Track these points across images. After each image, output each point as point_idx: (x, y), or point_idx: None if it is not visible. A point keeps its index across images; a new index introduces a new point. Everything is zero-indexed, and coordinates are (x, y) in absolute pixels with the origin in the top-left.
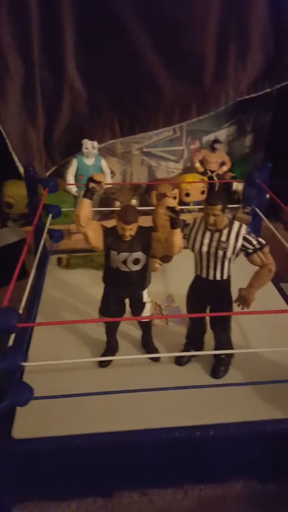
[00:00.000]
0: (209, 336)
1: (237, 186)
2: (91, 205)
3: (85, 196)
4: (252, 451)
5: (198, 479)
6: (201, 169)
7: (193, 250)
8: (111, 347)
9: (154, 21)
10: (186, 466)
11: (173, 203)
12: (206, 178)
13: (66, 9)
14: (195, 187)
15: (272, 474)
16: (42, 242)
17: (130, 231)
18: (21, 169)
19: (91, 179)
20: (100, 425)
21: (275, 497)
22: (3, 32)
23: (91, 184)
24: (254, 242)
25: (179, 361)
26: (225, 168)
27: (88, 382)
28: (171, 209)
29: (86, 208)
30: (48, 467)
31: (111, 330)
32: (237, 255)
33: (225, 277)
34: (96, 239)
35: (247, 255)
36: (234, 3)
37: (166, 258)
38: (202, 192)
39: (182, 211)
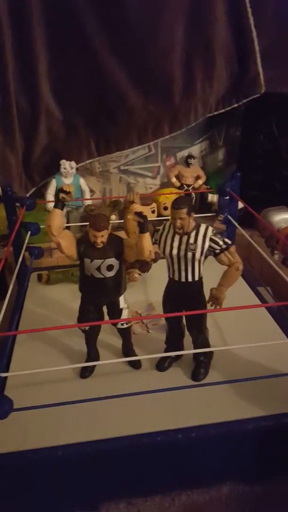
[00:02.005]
0: (188, 342)
1: (212, 198)
2: (62, 215)
3: (55, 206)
4: (236, 451)
5: (185, 485)
6: (177, 184)
7: (164, 253)
8: (91, 357)
9: (122, 44)
10: (171, 471)
11: (140, 208)
12: (182, 192)
13: (38, 35)
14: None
15: (258, 474)
16: (20, 259)
17: (101, 238)
18: (1, 191)
19: (60, 190)
20: (82, 435)
21: (263, 498)
22: None
23: (61, 195)
24: (221, 242)
25: (160, 366)
26: (200, 181)
27: (70, 393)
28: (139, 214)
29: (58, 217)
30: (30, 481)
31: (91, 339)
32: (206, 256)
33: (196, 278)
34: (69, 248)
35: (215, 255)
36: (197, 25)
37: (144, 268)
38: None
39: (160, 223)
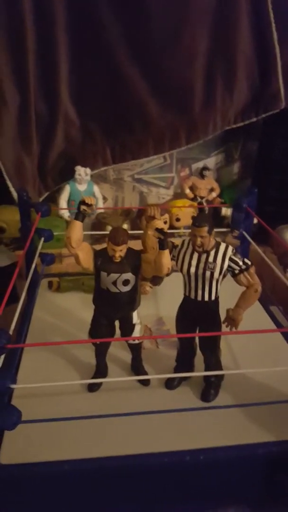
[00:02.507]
0: (199, 360)
1: (226, 211)
2: (82, 227)
3: (76, 218)
4: (243, 475)
5: (190, 507)
6: (191, 195)
7: (181, 271)
8: (100, 371)
9: (144, 53)
10: (176, 493)
11: (161, 224)
12: (196, 204)
13: (61, 41)
14: (185, 212)
15: (263, 499)
16: (33, 266)
17: (120, 252)
18: (15, 195)
19: (82, 202)
20: (88, 450)
21: None
22: (1, 63)
23: (82, 207)
24: (240, 262)
25: (169, 384)
26: (214, 194)
27: (77, 406)
28: (160, 230)
29: (77, 230)
30: (36, 494)
31: (101, 352)
32: (224, 276)
33: (213, 298)
34: (87, 260)
35: (234, 275)
36: (220, 36)
37: (156, 281)
38: (193, 217)
39: (172, 234)
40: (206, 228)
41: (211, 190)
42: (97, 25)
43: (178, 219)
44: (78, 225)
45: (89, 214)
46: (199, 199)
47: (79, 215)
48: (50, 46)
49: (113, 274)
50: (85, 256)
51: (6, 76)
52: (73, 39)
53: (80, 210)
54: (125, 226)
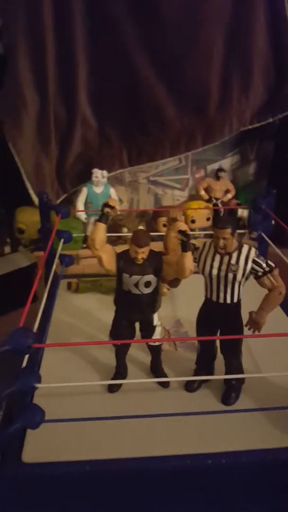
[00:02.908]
0: (219, 362)
1: (242, 212)
2: (106, 229)
3: (100, 220)
4: (265, 480)
5: (209, 509)
6: (206, 197)
7: (203, 273)
8: (120, 372)
9: (160, 55)
10: (197, 495)
11: (184, 226)
12: (211, 205)
13: (79, 45)
14: (201, 214)
15: (284, 504)
16: (54, 267)
17: (142, 254)
18: (34, 197)
19: (106, 205)
20: (108, 451)
21: None
22: (21, 66)
23: (106, 209)
24: (264, 265)
25: (189, 387)
26: (229, 195)
27: (97, 406)
28: (183, 232)
29: (101, 232)
30: (58, 493)
31: (121, 354)
32: (247, 278)
33: (235, 300)
34: (109, 262)
35: (257, 278)
36: (236, 38)
37: (174, 283)
38: (208, 219)
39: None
40: (229, 230)
41: (227, 191)
42: (115, 30)
43: (193, 221)
44: (101, 227)
45: (112, 217)
46: (214, 201)
47: (103, 217)
48: (69, 51)
49: (135, 276)
50: (108, 258)
51: (26, 80)
52: (92, 43)
53: (104, 212)
54: (140, 227)
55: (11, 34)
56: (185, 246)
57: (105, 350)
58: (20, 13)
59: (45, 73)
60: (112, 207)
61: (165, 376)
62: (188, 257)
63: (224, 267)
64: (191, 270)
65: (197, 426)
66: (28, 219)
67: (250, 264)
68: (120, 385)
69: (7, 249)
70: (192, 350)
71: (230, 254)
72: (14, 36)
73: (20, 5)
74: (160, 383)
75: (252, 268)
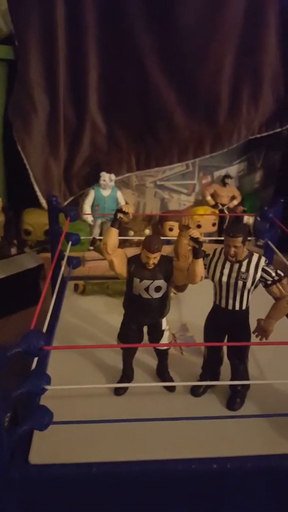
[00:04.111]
0: (225, 367)
1: (248, 219)
2: (118, 234)
3: (112, 225)
4: (268, 486)
5: None
6: (212, 202)
7: (213, 280)
8: (127, 375)
9: (172, 63)
10: (201, 499)
11: (196, 234)
12: (217, 211)
13: (91, 50)
14: (207, 219)
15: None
16: (62, 269)
17: (154, 259)
18: (42, 199)
19: (119, 210)
20: (114, 453)
21: None
22: (31, 70)
23: (119, 215)
24: (273, 273)
25: (195, 391)
26: (235, 202)
27: (103, 409)
28: (194, 239)
29: (114, 236)
30: (64, 495)
31: (128, 357)
32: (256, 286)
33: (244, 307)
34: (121, 267)
35: (266, 286)
36: (247, 48)
37: (181, 287)
38: (213, 224)
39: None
40: (240, 239)
41: (233, 198)
42: (127, 35)
43: (199, 226)
44: (114, 232)
45: (125, 222)
46: (220, 206)
47: (115, 222)
48: (80, 55)
49: (146, 280)
50: (120, 263)
51: (36, 84)
52: (103, 48)
53: (117, 217)
54: (146, 231)
55: (23, 40)
56: (197, 253)
57: (111, 352)
58: (32, 19)
59: (56, 77)
60: (125, 213)
61: (171, 380)
62: (200, 263)
63: (234, 274)
64: (202, 276)
65: (202, 431)
66: (35, 220)
67: (260, 273)
68: (127, 388)
69: (13, 250)
70: (198, 354)
71: (240, 262)
72: (25, 41)
73: (32, 11)
74: (166, 387)
75: (262, 277)
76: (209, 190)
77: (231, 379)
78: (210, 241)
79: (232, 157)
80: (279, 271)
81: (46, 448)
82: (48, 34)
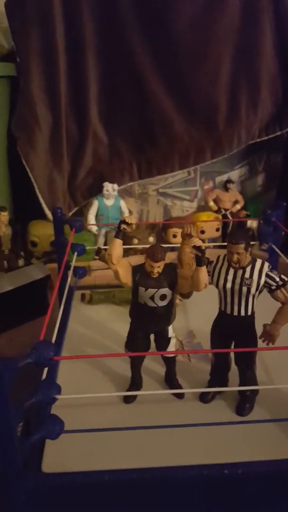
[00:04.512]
0: (233, 373)
1: (252, 223)
2: (122, 244)
3: (116, 236)
4: (280, 490)
5: None
6: (215, 208)
7: (217, 286)
8: (136, 383)
9: (170, 71)
10: (212, 506)
11: (199, 242)
12: (220, 216)
13: (91, 63)
14: (210, 225)
15: None
16: (69, 279)
17: (158, 268)
18: (47, 211)
19: (123, 221)
20: (126, 460)
21: None
22: (34, 86)
23: (123, 226)
24: (277, 279)
25: (204, 398)
26: (238, 206)
27: (113, 417)
28: (197, 248)
29: (118, 247)
30: (77, 503)
31: (136, 365)
32: (260, 292)
33: (249, 313)
34: (126, 276)
35: (271, 291)
36: (244, 54)
37: (186, 294)
38: (217, 229)
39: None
40: (243, 245)
41: (235, 202)
42: (126, 47)
43: (203, 231)
44: (118, 243)
45: (129, 233)
46: (223, 211)
47: (119, 233)
48: (80, 69)
49: (151, 289)
50: (124, 273)
51: (39, 98)
52: (102, 61)
53: (121, 229)
54: (150, 239)
55: (24, 56)
56: (200, 261)
57: (120, 361)
58: (32, 34)
59: (57, 91)
60: (129, 224)
61: (180, 387)
62: (203, 271)
63: (238, 280)
64: (206, 284)
65: (212, 437)
66: (41, 232)
67: (263, 278)
68: (136, 396)
69: (21, 262)
70: (206, 361)
71: (243, 268)
72: (26, 57)
73: (33, 28)
74: (175, 394)
75: (266, 282)
76: (211, 195)
77: (240, 385)
78: (215, 247)
79: (233, 162)
80: (283, 276)
81: (59, 457)
82: (49, 49)
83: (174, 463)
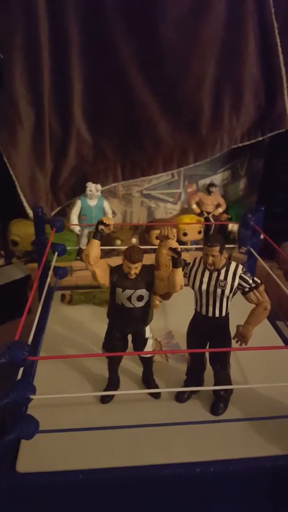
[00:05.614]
0: (209, 374)
1: (233, 226)
2: (99, 245)
3: (94, 237)
4: (252, 488)
5: None
6: (197, 210)
7: (193, 288)
8: (112, 383)
9: (155, 74)
10: (187, 504)
11: (175, 244)
12: (202, 219)
13: (75, 62)
14: (193, 227)
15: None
16: (48, 279)
17: (135, 269)
18: (28, 210)
19: (100, 222)
20: (100, 460)
21: None
22: (17, 83)
23: (101, 226)
24: (250, 281)
25: (180, 398)
26: (220, 209)
27: (90, 417)
28: (174, 250)
29: (95, 248)
30: (51, 502)
31: (114, 365)
32: (234, 293)
33: (223, 314)
34: (103, 277)
35: (244, 293)
36: (228, 60)
37: (166, 295)
38: (199, 232)
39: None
40: (218, 248)
41: (218, 205)
42: (111, 48)
43: (185, 234)
44: (96, 244)
45: (106, 234)
46: (205, 214)
47: (97, 234)
48: (65, 67)
49: (128, 290)
50: (102, 273)
51: (21, 96)
52: (87, 60)
53: (98, 229)
54: (133, 240)
55: (7, 52)
56: (176, 262)
57: (97, 361)
58: (16, 30)
59: (41, 89)
60: (107, 225)
61: (157, 387)
62: (179, 273)
63: (213, 282)
64: (181, 285)
65: (187, 436)
66: (22, 231)
67: (237, 280)
68: (112, 396)
69: (1, 261)
70: (183, 361)
71: (218, 271)
72: (9, 53)
73: (16, 23)
74: (151, 394)
75: (239, 284)
76: (194, 198)
77: (214, 385)
78: (197, 249)
79: (216, 166)
80: (256, 278)
81: (33, 457)
82: (33, 46)
83: (149, 462)
